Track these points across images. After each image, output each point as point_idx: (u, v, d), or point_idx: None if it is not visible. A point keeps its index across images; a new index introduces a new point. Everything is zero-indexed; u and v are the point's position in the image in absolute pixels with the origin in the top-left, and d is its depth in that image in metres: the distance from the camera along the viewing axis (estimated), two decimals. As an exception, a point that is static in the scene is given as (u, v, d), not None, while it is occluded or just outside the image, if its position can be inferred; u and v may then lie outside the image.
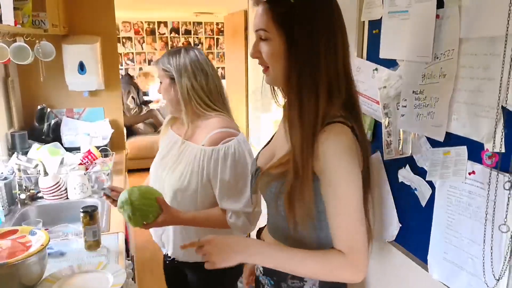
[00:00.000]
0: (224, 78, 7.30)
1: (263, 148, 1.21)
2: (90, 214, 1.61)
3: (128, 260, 1.70)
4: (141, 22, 6.86)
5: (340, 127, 0.93)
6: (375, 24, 1.40)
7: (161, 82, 1.55)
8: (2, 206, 1.97)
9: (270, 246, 1.03)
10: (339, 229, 0.93)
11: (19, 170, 2.10)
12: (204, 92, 1.50)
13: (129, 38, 6.93)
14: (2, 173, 2.15)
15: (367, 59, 1.47)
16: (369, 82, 1.44)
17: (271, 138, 1.21)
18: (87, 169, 2.51)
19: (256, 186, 1.11)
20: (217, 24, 7.29)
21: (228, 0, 3.24)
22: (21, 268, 1.29)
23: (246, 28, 2.78)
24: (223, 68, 7.45)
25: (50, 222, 2.08)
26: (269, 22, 0.95)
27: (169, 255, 1.65)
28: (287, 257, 0.96)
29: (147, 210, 1.38)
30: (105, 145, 2.80)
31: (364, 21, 1.47)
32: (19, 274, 1.30)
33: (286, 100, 1.03)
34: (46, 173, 1.97)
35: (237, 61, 3.09)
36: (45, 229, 2.04)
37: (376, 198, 1.44)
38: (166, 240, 1.64)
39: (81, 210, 1.62)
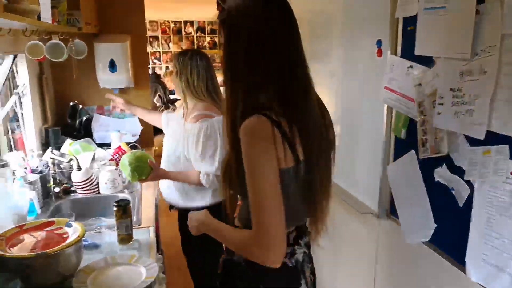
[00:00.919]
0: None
1: None
2: (124, 208, 1.64)
3: (159, 254, 1.72)
4: (168, 22, 6.94)
5: (255, 118, 1.01)
6: (410, 21, 1.37)
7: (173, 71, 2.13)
8: (38, 199, 2.04)
9: (213, 224, 1.21)
10: (251, 210, 1.02)
11: (53, 164, 2.17)
12: (195, 87, 2.00)
13: (156, 38, 7.03)
14: (37, 167, 2.21)
15: (401, 56, 1.45)
16: (403, 79, 1.42)
17: None
18: (117, 164, 2.56)
19: None
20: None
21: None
22: (59, 258, 1.33)
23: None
24: (247, 67, 7.48)
25: (82, 215, 2.13)
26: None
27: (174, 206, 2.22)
28: (220, 233, 1.16)
29: (142, 171, 1.91)
30: (135, 142, 2.86)
31: (398, 18, 1.45)
32: (57, 264, 1.34)
33: None
34: (79, 168, 2.02)
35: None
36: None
37: (410, 198, 1.42)
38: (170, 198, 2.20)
39: (115, 204, 1.65)
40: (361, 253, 1.87)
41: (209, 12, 6.42)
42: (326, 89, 2.21)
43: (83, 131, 2.96)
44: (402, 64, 1.42)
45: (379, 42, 1.57)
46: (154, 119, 2.52)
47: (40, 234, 1.46)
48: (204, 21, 7.14)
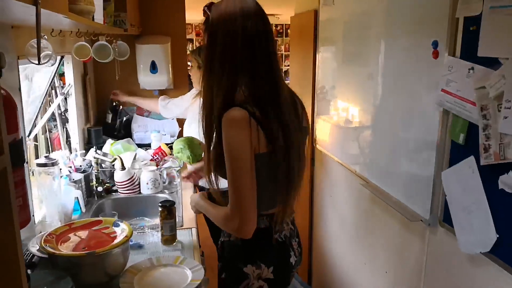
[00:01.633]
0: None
1: None
2: (169, 209, 1.64)
3: (202, 256, 1.71)
4: (202, 24, 6.99)
5: (234, 109, 1.16)
6: (473, 20, 1.31)
7: (192, 65, 2.46)
8: (82, 198, 2.07)
9: (204, 204, 1.43)
10: (228, 188, 1.20)
11: (96, 163, 2.19)
12: None
13: (191, 40, 7.10)
14: (80, 166, 2.25)
15: (460, 58, 1.38)
16: (462, 82, 1.35)
17: None
18: (157, 165, 2.58)
19: None
20: (276, 26, 7.29)
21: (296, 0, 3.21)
22: (107, 257, 1.33)
23: (315, 28, 2.73)
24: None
25: (123, 215, 2.14)
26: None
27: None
28: (208, 212, 1.39)
29: (198, 152, 1.99)
30: (173, 143, 2.87)
31: (458, 18, 1.39)
32: (105, 264, 1.34)
33: None
34: (123, 167, 2.04)
35: (303, 62, 3.05)
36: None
37: (467, 206, 1.35)
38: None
39: (160, 205, 1.65)
40: (407, 263, 1.80)
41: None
42: (363, 91, 2.17)
43: (123, 131, 3.01)
44: (461, 66, 1.35)
45: (434, 43, 1.51)
46: (150, 104, 2.90)
47: (89, 233, 1.47)
48: (237, 24, 7.17)
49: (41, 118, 2.43)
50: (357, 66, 2.24)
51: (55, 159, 1.73)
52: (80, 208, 1.95)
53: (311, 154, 2.91)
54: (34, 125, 2.41)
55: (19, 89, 1.61)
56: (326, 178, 2.72)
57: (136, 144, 2.93)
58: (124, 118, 3.01)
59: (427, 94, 1.57)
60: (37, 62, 1.59)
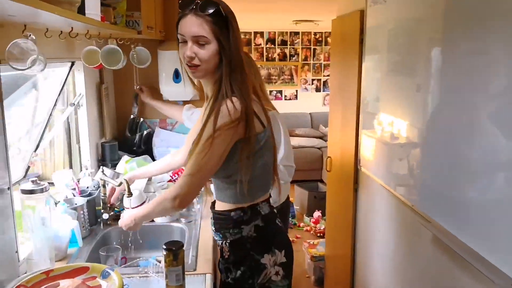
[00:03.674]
0: (318, 89, 6.96)
1: None
2: (175, 253, 1.29)
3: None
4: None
5: (234, 98, 1.26)
6: None
7: None
8: (83, 227, 1.77)
9: (142, 209, 1.51)
10: (190, 161, 1.30)
11: (104, 186, 1.89)
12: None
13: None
14: (87, 187, 1.96)
15: None
16: None
17: None
18: (175, 187, 2.26)
19: None
20: (315, 34, 6.92)
21: (339, 0, 2.84)
22: (84, 326, 1.00)
23: (361, 31, 2.35)
24: (318, 80, 7.05)
25: (133, 245, 1.84)
26: (210, 31, 1.24)
27: None
28: (145, 209, 1.48)
29: None
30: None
31: None
32: (82, 334, 1.01)
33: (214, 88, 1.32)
34: (130, 194, 1.73)
35: (346, 72, 2.67)
36: (123, 259, 1.81)
37: None
38: None
39: (164, 247, 1.31)
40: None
41: (280, 23, 6.11)
42: (412, 104, 1.83)
43: (143, 147, 2.72)
44: None
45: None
46: (174, 112, 2.57)
47: (72, 284, 1.15)
48: (274, 32, 6.85)
49: (49, 131, 2.18)
50: (408, 76, 1.84)
51: (44, 185, 1.43)
52: (78, 240, 1.65)
53: (354, 177, 2.50)
54: (41, 139, 2.16)
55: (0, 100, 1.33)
56: (373, 208, 2.30)
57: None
58: (145, 132, 2.73)
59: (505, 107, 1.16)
60: (20, 67, 1.32)
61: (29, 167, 2.11)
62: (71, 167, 2.27)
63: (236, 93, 1.26)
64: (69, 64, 2.11)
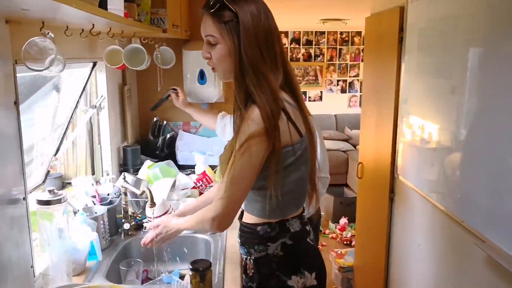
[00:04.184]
0: (347, 91, 6.76)
1: None
2: (201, 274, 1.17)
3: None
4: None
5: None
6: None
7: None
8: (103, 238, 1.66)
9: (175, 219, 1.43)
10: (227, 180, 1.15)
11: (125, 194, 1.79)
12: None
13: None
14: (108, 194, 1.86)
15: None
16: None
17: None
18: (201, 194, 2.15)
19: None
20: (341, 33, 6.72)
21: (373, -3, 2.67)
22: None
23: (401, 29, 2.18)
24: (344, 81, 6.85)
25: (154, 259, 1.73)
26: (216, 29, 1.14)
27: None
28: (181, 223, 1.38)
29: None
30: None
31: None
32: None
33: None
34: (153, 203, 1.62)
35: (382, 73, 2.50)
36: (145, 272, 1.69)
37: None
38: None
39: (190, 267, 1.18)
40: None
41: (307, 22, 5.95)
42: (445, 107, 1.73)
43: (166, 150, 2.61)
44: None
45: None
46: (207, 121, 2.32)
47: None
48: (299, 32, 6.69)
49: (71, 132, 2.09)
50: (455, 78, 1.68)
51: (61, 194, 1.33)
52: (97, 253, 1.54)
53: (390, 186, 2.33)
54: (61, 143, 2.07)
55: (15, 103, 1.23)
56: (412, 220, 2.13)
57: (180, 166, 2.53)
58: (168, 135, 2.62)
59: None
60: (37, 68, 1.22)
61: (48, 171, 2.03)
62: (93, 169, 2.18)
63: (255, 98, 1.13)
64: (91, 64, 2.02)
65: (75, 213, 1.65)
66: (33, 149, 2.00)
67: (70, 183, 2.03)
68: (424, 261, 1.99)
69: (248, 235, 1.30)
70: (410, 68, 2.10)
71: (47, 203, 1.30)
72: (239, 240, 1.35)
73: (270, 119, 1.10)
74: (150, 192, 1.61)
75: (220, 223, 1.16)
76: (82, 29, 1.47)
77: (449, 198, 1.73)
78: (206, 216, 1.19)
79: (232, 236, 1.79)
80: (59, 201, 1.33)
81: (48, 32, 1.22)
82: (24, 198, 1.28)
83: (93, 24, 1.26)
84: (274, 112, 1.11)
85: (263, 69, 1.14)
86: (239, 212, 1.38)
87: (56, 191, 1.34)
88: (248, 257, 1.30)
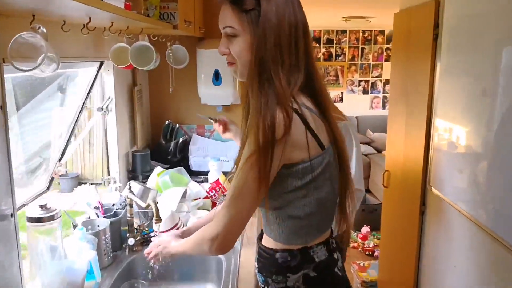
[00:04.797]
0: (367, 92, 6.51)
1: None
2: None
3: None
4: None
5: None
6: None
7: None
8: (105, 254, 1.51)
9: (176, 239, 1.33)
10: (229, 197, 1.00)
11: (130, 205, 1.64)
12: None
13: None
14: (113, 205, 1.71)
15: None
16: None
17: None
18: (214, 204, 1.98)
19: None
20: (364, 32, 6.48)
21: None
22: None
23: (436, 25, 1.97)
24: (366, 81, 6.61)
25: (162, 278, 1.58)
26: (236, 19, 0.99)
27: None
28: (180, 244, 1.23)
29: None
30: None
31: None
32: None
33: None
34: (158, 219, 1.45)
35: (412, 74, 2.29)
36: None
37: None
38: None
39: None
40: None
41: (328, 20, 5.74)
42: (475, 109, 1.58)
43: (179, 155, 2.46)
44: None
45: None
46: None
47: None
48: (320, 31, 6.48)
49: (75, 139, 1.96)
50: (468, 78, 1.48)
51: (54, 210, 1.18)
52: (95, 274, 1.39)
53: (421, 198, 2.12)
54: (66, 148, 1.94)
55: (1, 107, 1.08)
56: (448, 237, 1.92)
57: (193, 172, 2.37)
58: (181, 139, 2.47)
59: None
60: (24, 68, 1.07)
61: (52, 178, 1.91)
62: (109, 169, 2.05)
63: (267, 102, 0.94)
64: (98, 64, 1.88)
65: (74, 226, 1.50)
66: (34, 156, 1.88)
67: (86, 183, 1.92)
68: (462, 283, 1.77)
69: (266, 261, 1.13)
70: (447, 68, 1.89)
71: (38, 220, 1.16)
72: (256, 265, 1.18)
73: (266, 133, 0.92)
74: (156, 206, 1.45)
75: (220, 245, 1.02)
76: (84, 25, 1.32)
77: (495, 217, 1.52)
78: (204, 237, 1.05)
79: (246, 255, 1.62)
80: (52, 218, 1.18)
81: (39, 27, 1.08)
82: (12, 215, 1.14)
83: (90, 18, 1.10)
84: (272, 123, 0.92)
85: (275, 68, 0.97)
86: (254, 227, 1.22)
87: (48, 206, 1.19)
88: (265, 287, 1.14)
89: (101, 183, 2.04)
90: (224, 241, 1.01)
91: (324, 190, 1.06)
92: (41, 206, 1.18)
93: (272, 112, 0.92)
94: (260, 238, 1.19)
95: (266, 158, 0.94)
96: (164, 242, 1.32)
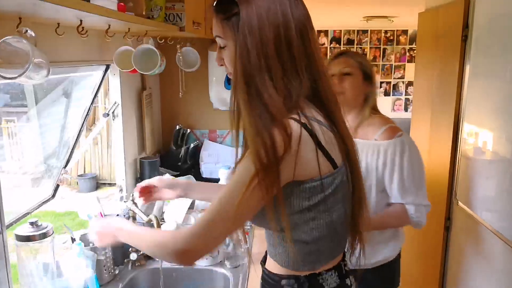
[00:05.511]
0: (388, 94, 6.32)
1: None
2: None
3: None
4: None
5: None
6: None
7: (348, 74, 1.50)
8: (105, 270, 1.43)
9: (127, 225, 1.06)
10: (210, 208, 0.89)
11: (134, 218, 1.55)
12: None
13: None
14: (117, 215, 1.63)
15: None
16: None
17: None
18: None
19: None
20: (386, 32, 6.29)
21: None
22: None
23: (465, 26, 1.82)
24: (387, 83, 6.41)
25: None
26: (220, 28, 0.92)
27: None
28: (136, 232, 1.03)
29: None
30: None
31: None
32: None
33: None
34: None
35: (439, 77, 2.14)
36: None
37: None
38: None
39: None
40: None
41: (348, 20, 5.58)
42: (507, 114, 1.51)
43: (190, 162, 2.37)
44: None
45: None
46: None
47: None
48: (340, 31, 6.31)
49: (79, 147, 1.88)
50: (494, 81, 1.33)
51: (46, 227, 1.10)
52: (94, 293, 1.30)
53: (446, 212, 1.97)
54: (71, 154, 1.87)
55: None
56: (477, 256, 1.77)
57: (204, 179, 2.28)
58: (192, 145, 2.38)
59: None
60: (7, 75, 0.98)
61: (58, 185, 1.84)
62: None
63: (260, 117, 0.84)
64: (104, 67, 1.80)
65: (73, 240, 1.42)
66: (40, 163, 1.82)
67: (105, 184, 1.86)
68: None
69: (269, 286, 1.02)
70: (477, 71, 1.74)
71: (27, 239, 1.08)
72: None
73: (262, 157, 0.81)
74: (158, 221, 1.36)
75: (188, 257, 0.90)
76: (77, 28, 1.23)
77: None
78: (167, 245, 0.91)
79: (254, 271, 1.51)
80: (43, 236, 1.10)
81: (26, 30, 0.99)
82: (0, 232, 1.06)
83: (81, 20, 1.01)
84: (272, 142, 0.81)
85: (261, 78, 0.85)
86: (262, 241, 1.11)
87: (39, 223, 1.11)
88: None
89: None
90: (192, 256, 0.90)
91: (336, 212, 0.94)
92: (31, 223, 1.09)
93: (268, 131, 0.81)
94: (264, 260, 1.08)
95: (269, 181, 0.83)
96: (112, 228, 1.08)
